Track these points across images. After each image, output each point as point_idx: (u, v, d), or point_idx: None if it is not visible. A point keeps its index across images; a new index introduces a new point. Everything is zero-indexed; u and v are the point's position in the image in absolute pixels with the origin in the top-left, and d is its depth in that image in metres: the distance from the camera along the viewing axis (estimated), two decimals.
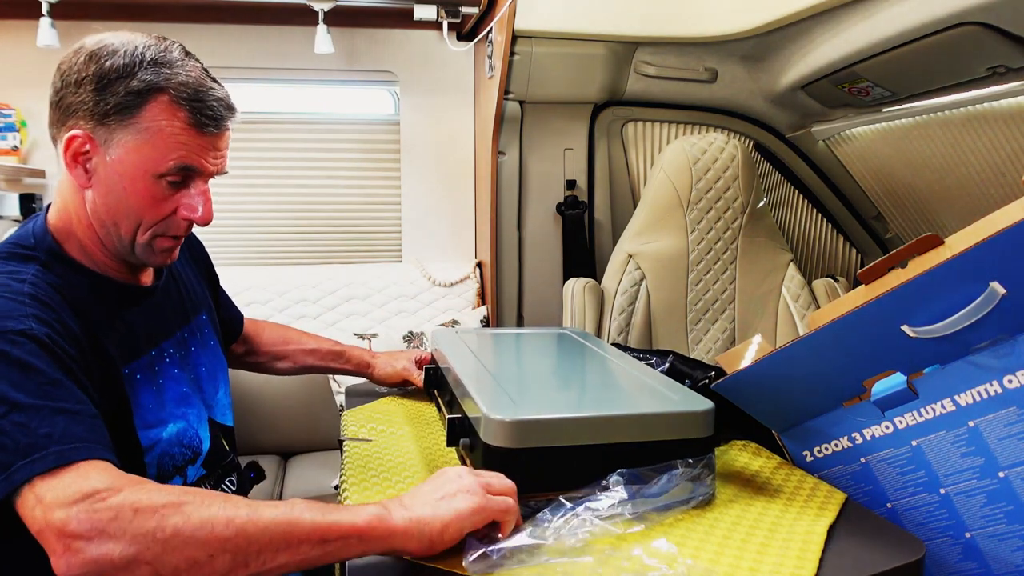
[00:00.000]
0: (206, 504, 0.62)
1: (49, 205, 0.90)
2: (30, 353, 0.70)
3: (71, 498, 0.61)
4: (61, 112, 0.82)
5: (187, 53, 0.87)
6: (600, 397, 0.97)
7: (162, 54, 0.82)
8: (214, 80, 0.87)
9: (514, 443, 0.77)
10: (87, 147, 0.82)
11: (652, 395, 0.90)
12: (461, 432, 0.88)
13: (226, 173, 0.90)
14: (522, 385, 0.96)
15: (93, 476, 0.63)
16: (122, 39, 0.82)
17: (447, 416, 0.90)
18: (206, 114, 0.83)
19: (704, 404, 0.85)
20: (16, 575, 0.78)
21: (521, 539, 0.70)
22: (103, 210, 0.84)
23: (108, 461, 0.67)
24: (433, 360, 1.18)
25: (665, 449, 0.81)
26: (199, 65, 0.86)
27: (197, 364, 1.02)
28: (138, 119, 0.81)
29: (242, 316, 1.27)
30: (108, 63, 0.80)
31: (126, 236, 0.86)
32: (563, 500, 0.75)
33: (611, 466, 0.78)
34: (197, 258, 1.14)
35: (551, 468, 0.78)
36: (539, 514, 0.73)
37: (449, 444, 0.89)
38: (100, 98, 0.80)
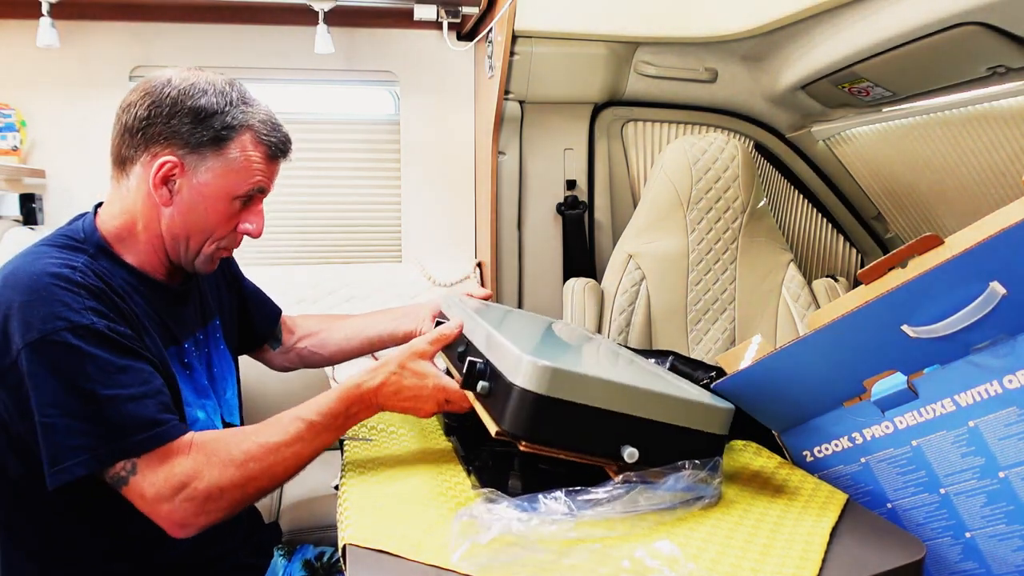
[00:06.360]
0: (268, 465, 0.84)
1: (97, 205, 0.98)
2: (95, 346, 0.80)
3: (168, 492, 0.79)
4: (146, 138, 0.91)
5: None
6: (628, 372, 0.97)
7: (244, 94, 0.95)
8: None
9: (545, 390, 0.75)
10: (175, 171, 0.91)
11: (677, 384, 0.92)
12: (480, 376, 0.85)
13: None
14: (551, 346, 0.96)
15: (177, 464, 0.80)
16: (202, 78, 0.93)
17: (468, 359, 0.87)
18: (279, 147, 0.98)
19: (726, 404, 0.86)
20: (94, 535, 0.90)
21: (520, 532, 0.70)
22: (179, 226, 0.94)
23: (179, 436, 0.82)
24: (443, 317, 1.17)
25: (681, 437, 0.81)
26: (265, 104, 0.99)
27: (211, 364, 1.06)
28: (228, 149, 0.93)
29: (279, 309, 1.30)
30: (203, 100, 0.91)
31: (194, 248, 0.96)
32: (566, 492, 0.75)
33: (627, 440, 0.78)
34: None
35: (572, 425, 0.77)
36: (540, 508, 0.73)
37: (464, 387, 0.87)
38: (196, 130, 0.91)
